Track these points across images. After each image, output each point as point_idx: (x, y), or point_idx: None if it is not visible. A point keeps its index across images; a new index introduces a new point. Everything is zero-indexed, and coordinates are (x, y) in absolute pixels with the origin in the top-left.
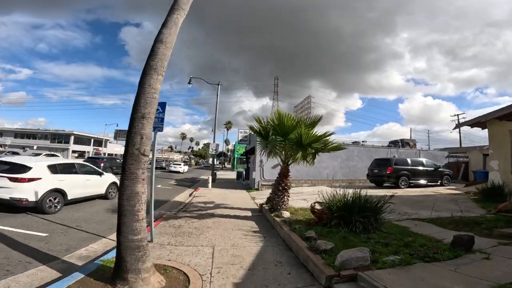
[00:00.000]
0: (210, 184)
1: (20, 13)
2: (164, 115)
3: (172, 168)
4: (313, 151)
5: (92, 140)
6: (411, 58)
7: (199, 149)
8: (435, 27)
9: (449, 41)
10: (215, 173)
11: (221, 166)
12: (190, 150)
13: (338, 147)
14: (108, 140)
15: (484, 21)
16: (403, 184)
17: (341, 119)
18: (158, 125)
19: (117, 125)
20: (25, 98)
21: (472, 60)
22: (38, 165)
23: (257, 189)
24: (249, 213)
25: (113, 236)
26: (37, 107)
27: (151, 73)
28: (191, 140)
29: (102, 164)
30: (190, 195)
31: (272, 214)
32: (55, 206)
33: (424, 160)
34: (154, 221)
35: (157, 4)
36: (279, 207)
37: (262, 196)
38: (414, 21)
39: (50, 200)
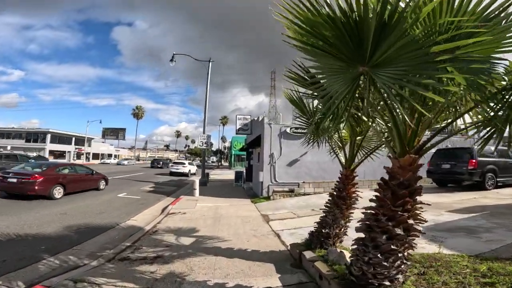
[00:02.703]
0: (197, 191)
1: (9, 14)
2: None
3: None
4: None
5: (74, 138)
6: None
7: (195, 147)
8: None
9: None
10: (208, 173)
11: (217, 164)
12: (186, 149)
13: None
14: (92, 138)
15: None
16: (489, 183)
17: None
18: None
19: (100, 122)
20: (17, 99)
21: None
22: (186, 162)
23: (267, 198)
24: (274, 279)
25: None
26: (30, 109)
27: None
28: (187, 138)
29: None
30: (163, 211)
31: None
32: (191, 175)
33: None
34: None
35: (149, 2)
36: (389, 280)
37: (279, 211)
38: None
39: (190, 173)
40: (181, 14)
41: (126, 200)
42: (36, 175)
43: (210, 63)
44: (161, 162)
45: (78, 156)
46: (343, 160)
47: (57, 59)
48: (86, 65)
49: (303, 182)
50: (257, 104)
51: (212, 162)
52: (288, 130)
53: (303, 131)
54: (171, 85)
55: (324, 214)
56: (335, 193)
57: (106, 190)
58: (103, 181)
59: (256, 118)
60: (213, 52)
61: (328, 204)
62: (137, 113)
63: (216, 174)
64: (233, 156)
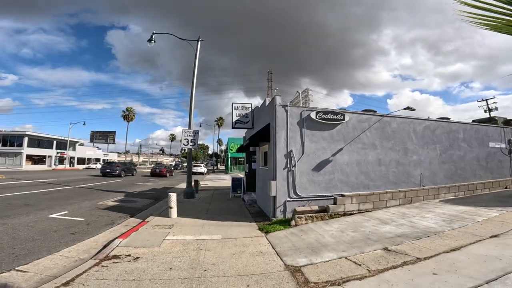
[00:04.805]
0: (174, 210)
1: (1, 18)
2: None
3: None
4: None
5: (55, 142)
6: (397, 55)
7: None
8: (416, 22)
9: (432, 35)
10: (197, 181)
11: (212, 169)
12: (181, 152)
13: None
14: (77, 142)
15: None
16: None
17: None
18: None
19: (84, 124)
20: (11, 104)
21: (455, 54)
22: (202, 165)
23: (286, 222)
24: None
25: None
26: (24, 113)
27: None
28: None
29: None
30: (102, 250)
31: None
32: (207, 173)
33: None
34: None
35: (141, 7)
36: None
37: (320, 256)
38: (397, 17)
39: (204, 173)
40: (175, 18)
41: (54, 225)
42: (164, 169)
43: (199, 43)
44: (179, 166)
45: (61, 161)
46: None
47: (51, 63)
48: (80, 69)
49: (342, 195)
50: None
51: (212, 164)
52: (313, 115)
53: (336, 117)
54: (166, 88)
55: None
56: None
57: (42, 206)
58: (173, 172)
59: (261, 103)
60: (207, 55)
61: None
62: (128, 115)
63: (209, 180)
64: (229, 159)
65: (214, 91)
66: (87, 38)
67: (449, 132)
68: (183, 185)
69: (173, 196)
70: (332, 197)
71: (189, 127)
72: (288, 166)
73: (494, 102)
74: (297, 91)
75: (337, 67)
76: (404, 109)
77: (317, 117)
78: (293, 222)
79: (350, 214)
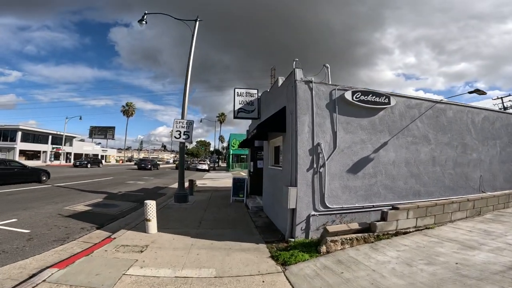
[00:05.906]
0: (153, 223)
1: (4, 15)
2: None
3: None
4: None
5: (51, 137)
6: (401, 53)
7: (192, 147)
8: (421, 21)
9: (436, 34)
10: (193, 181)
11: (213, 166)
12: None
13: None
14: (74, 137)
15: (468, 14)
16: None
17: None
18: None
19: (80, 118)
20: (15, 101)
21: (459, 53)
22: (207, 161)
23: (311, 248)
24: None
25: None
26: (27, 108)
27: None
28: None
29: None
30: None
31: None
32: (209, 170)
33: None
34: None
35: (144, 3)
36: None
37: None
38: (401, 15)
39: (211, 168)
40: (176, 14)
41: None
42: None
43: (197, 23)
44: (188, 161)
45: (57, 156)
46: None
47: (54, 60)
48: (84, 66)
49: (395, 207)
50: None
51: (213, 161)
52: (348, 95)
53: (379, 100)
54: (168, 85)
55: None
56: None
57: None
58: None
59: (272, 85)
60: (208, 53)
61: None
62: (127, 110)
63: (208, 179)
64: (231, 156)
65: (215, 88)
66: (91, 35)
67: (508, 125)
68: (174, 186)
69: (152, 205)
70: (373, 209)
71: (182, 117)
72: (314, 166)
73: (509, 100)
74: (324, 65)
75: (340, 66)
76: (470, 92)
77: (354, 98)
78: (323, 248)
79: (405, 232)
